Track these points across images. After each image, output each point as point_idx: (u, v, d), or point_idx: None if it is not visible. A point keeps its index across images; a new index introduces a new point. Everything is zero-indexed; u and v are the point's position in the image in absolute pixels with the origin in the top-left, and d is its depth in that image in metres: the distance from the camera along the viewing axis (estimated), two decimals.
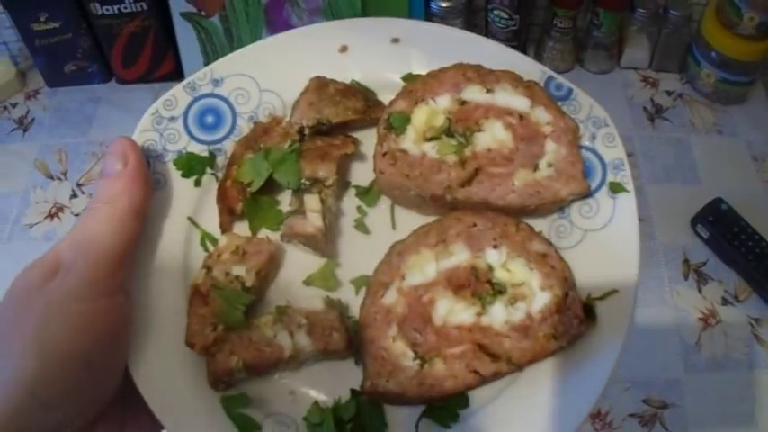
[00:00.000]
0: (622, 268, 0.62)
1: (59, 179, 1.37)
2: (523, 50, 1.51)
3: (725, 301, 1.22)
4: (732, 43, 1.39)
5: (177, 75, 1.46)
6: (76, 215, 1.31)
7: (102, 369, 0.56)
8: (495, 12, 1.42)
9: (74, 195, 1.35)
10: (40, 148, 1.42)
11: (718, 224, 1.26)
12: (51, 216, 1.32)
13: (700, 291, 1.24)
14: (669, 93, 1.52)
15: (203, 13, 1.33)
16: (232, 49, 1.30)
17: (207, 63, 1.32)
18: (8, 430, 0.50)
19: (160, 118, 0.66)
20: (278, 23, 1.33)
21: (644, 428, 1.11)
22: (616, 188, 0.64)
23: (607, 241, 0.63)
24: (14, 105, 1.48)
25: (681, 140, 1.44)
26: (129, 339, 0.59)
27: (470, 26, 1.51)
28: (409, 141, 0.65)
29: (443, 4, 1.38)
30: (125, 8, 1.34)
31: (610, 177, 0.64)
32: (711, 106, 1.49)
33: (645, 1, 1.45)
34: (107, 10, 1.34)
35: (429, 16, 1.41)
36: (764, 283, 1.21)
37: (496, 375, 0.60)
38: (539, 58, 1.52)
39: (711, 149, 1.43)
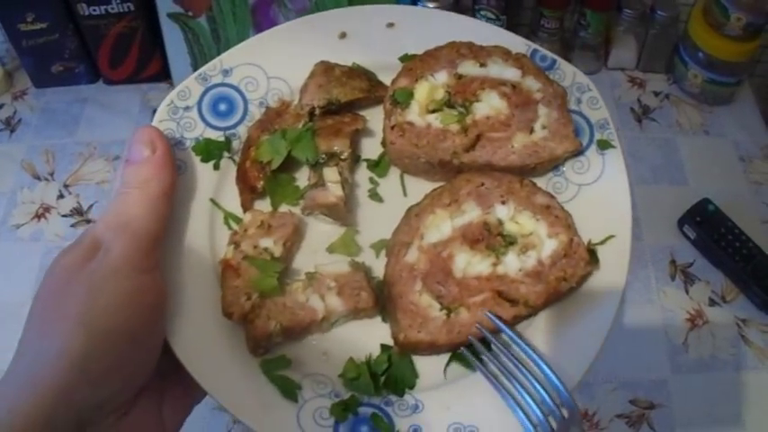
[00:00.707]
0: (617, 215, 0.68)
1: (46, 180, 1.36)
2: None
3: (712, 302, 1.23)
4: (719, 44, 1.40)
5: (164, 75, 1.47)
6: (64, 216, 1.31)
7: (144, 344, 0.59)
8: (482, 12, 1.43)
9: (61, 196, 1.34)
10: (27, 149, 1.41)
11: (706, 225, 1.26)
12: (38, 216, 1.32)
13: (687, 291, 1.24)
14: (656, 93, 1.52)
15: (190, 14, 1.34)
16: (219, 50, 1.34)
17: (194, 64, 1.35)
18: (59, 406, 0.52)
19: (176, 108, 0.70)
20: (265, 24, 1.34)
21: (631, 429, 1.12)
22: (604, 145, 0.70)
23: (600, 193, 0.69)
24: (1, 106, 1.47)
25: (668, 141, 1.45)
26: (166, 314, 0.63)
27: None
28: (414, 114, 0.70)
29: (430, 5, 1.39)
30: (112, 9, 1.35)
31: (597, 136, 0.71)
32: (698, 107, 1.50)
33: (632, 1, 1.45)
34: (94, 10, 1.35)
35: None
36: (751, 284, 1.22)
37: (516, 319, 0.65)
38: None
39: (698, 150, 1.43)
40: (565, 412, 0.60)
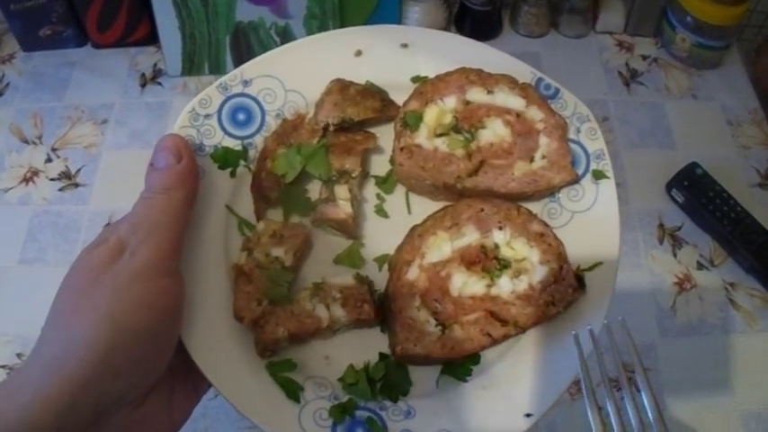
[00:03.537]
0: (606, 243, 0.73)
1: (34, 143, 1.38)
2: (498, 15, 1.52)
3: (700, 266, 1.23)
4: (707, 8, 1.39)
5: (152, 39, 1.48)
6: (52, 179, 1.33)
7: (162, 342, 0.63)
8: None
9: (48, 160, 1.36)
10: (15, 113, 1.42)
11: (694, 188, 1.27)
12: (26, 180, 1.33)
13: (675, 255, 1.25)
14: (644, 57, 1.52)
15: None
16: (207, 14, 1.35)
17: (182, 27, 1.36)
18: (81, 394, 0.56)
19: (196, 115, 0.74)
20: None
21: (619, 393, 1.07)
22: (599, 175, 0.75)
23: (592, 221, 0.74)
24: None
25: (656, 105, 1.44)
26: (183, 315, 0.67)
27: None
28: (422, 137, 0.74)
29: None
30: None
31: (593, 166, 0.75)
32: (686, 71, 1.50)
33: None
34: None
35: None
36: (739, 248, 1.22)
37: (505, 337, 0.70)
38: (514, 22, 1.54)
39: (686, 114, 1.43)
40: None
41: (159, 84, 1.45)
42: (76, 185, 1.32)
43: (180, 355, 0.66)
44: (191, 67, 1.44)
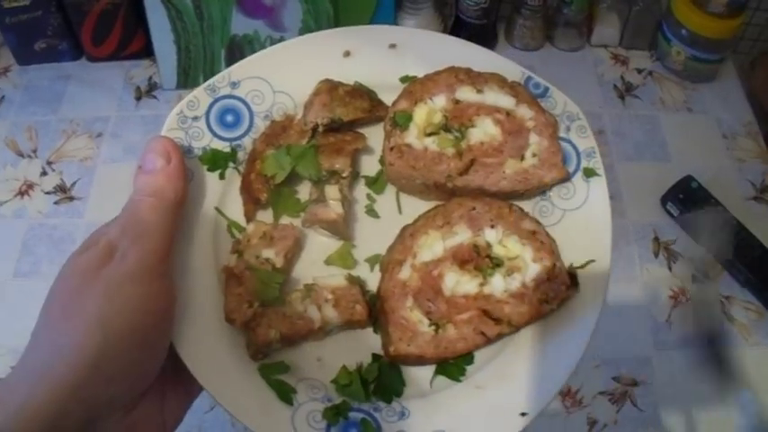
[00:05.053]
0: (598, 240, 0.72)
1: (29, 156, 1.38)
2: (493, 28, 1.53)
3: (695, 279, 1.23)
4: (702, 21, 1.41)
5: (147, 53, 1.48)
6: (47, 193, 1.33)
7: (154, 346, 0.63)
8: None
9: (44, 173, 1.36)
10: (10, 126, 1.42)
11: (689, 202, 1.28)
12: (21, 194, 1.33)
13: (670, 268, 1.26)
14: (639, 70, 1.53)
15: None
16: (202, 27, 1.36)
17: (177, 41, 1.37)
18: (71, 401, 0.56)
19: (185, 117, 0.73)
20: (247, 1, 1.36)
21: (614, 406, 1.13)
22: (589, 173, 0.74)
23: (583, 219, 0.73)
24: None
25: (651, 118, 1.46)
26: (175, 318, 0.66)
27: (441, 4, 1.51)
28: (412, 137, 0.74)
29: None
30: None
31: (584, 164, 0.75)
32: (681, 84, 1.51)
33: None
34: None
35: None
36: (734, 261, 1.23)
37: (499, 336, 0.70)
38: (509, 35, 1.55)
39: (681, 127, 1.45)
40: None
41: (154, 97, 1.45)
42: (71, 199, 1.33)
43: (171, 359, 0.66)
44: (186, 80, 1.44)
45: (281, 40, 1.34)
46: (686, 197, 1.28)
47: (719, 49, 1.46)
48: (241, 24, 1.38)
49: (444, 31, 1.51)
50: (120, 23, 1.44)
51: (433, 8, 1.49)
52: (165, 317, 0.64)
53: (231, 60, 1.40)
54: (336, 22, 1.38)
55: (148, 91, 1.46)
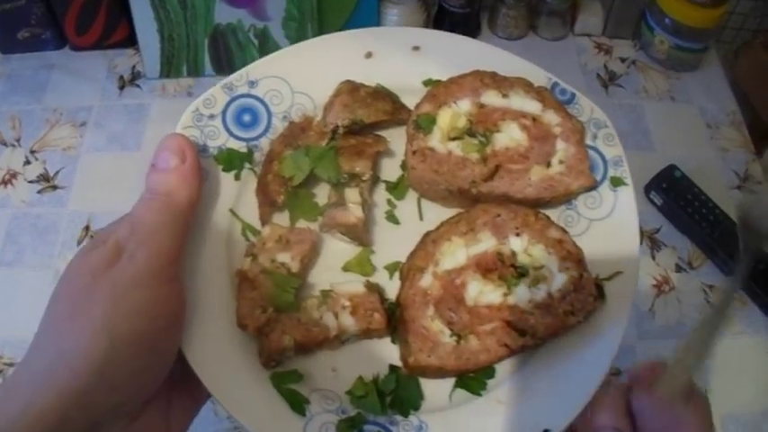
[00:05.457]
0: (625, 252, 0.70)
1: (13, 146, 1.37)
2: (477, 17, 1.51)
3: (678, 268, 1.23)
4: (686, 10, 1.39)
5: (131, 41, 1.47)
6: (30, 182, 1.32)
7: (161, 352, 0.60)
8: None
9: (27, 162, 1.34)
10: None
11: (672, 191, 1.27)
12: (5, 183, 1.32)
13: (653, 257, 1.25)
14: (623, 59, 1.52)
15: None
16: (186, 16, 1.35)
17: (160, 30, 1.36)
18: (74, 407, 0.53)
19: (200, 115, 0.71)
20: None
21: None
22: (617, 182, 0.72)
23: (610, 229, 0.71)
24: None
25: (634, 107, 1.44)
26: (184, 324, 0.64)
27: None
28: (436, 140, 0.71)
29: None
30: None
31: (611, 173, 0.72)
32: (665, 73, 1.50)
33: None
34: None
35: None
36: (718, 250, 1.22)
37: (523, 348, 0.67)
38: (492, 24, 1.53)
39: (665, 116, 1.43)
40: None
41: (138, 86, 1.45)
42: (55, 188, 1.31)
43: (178, 364, 0.63)
44: (169, 69, 1.44)
45: (265, 29, 1.36)
46: (669, 186, 1.28)
47: (703, 38, 1.45)
48: (224, 13, 1.37)
49: (428, 19, 1.49)
50: (103, 13, 1.43)
51: None
52: (174, 322, 0.61)
53: (214, 49, 1.41)
54: (320, 11, 1.37)
55: (132, 80, 1.45)
